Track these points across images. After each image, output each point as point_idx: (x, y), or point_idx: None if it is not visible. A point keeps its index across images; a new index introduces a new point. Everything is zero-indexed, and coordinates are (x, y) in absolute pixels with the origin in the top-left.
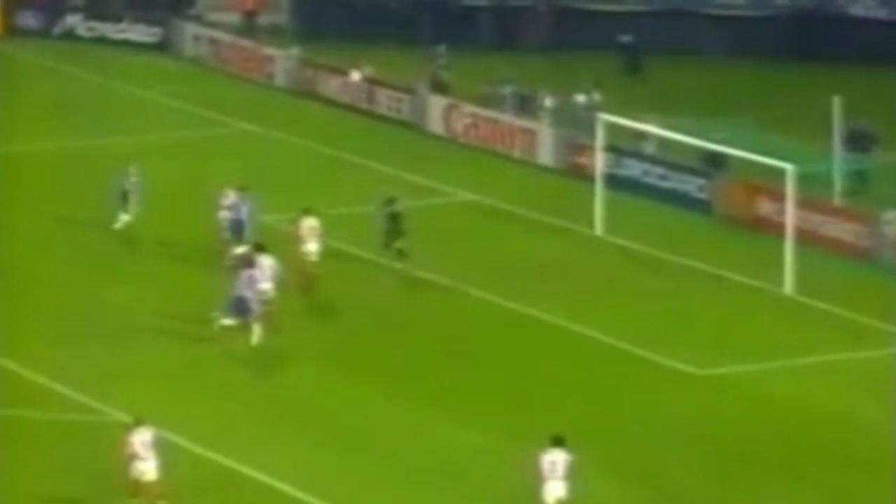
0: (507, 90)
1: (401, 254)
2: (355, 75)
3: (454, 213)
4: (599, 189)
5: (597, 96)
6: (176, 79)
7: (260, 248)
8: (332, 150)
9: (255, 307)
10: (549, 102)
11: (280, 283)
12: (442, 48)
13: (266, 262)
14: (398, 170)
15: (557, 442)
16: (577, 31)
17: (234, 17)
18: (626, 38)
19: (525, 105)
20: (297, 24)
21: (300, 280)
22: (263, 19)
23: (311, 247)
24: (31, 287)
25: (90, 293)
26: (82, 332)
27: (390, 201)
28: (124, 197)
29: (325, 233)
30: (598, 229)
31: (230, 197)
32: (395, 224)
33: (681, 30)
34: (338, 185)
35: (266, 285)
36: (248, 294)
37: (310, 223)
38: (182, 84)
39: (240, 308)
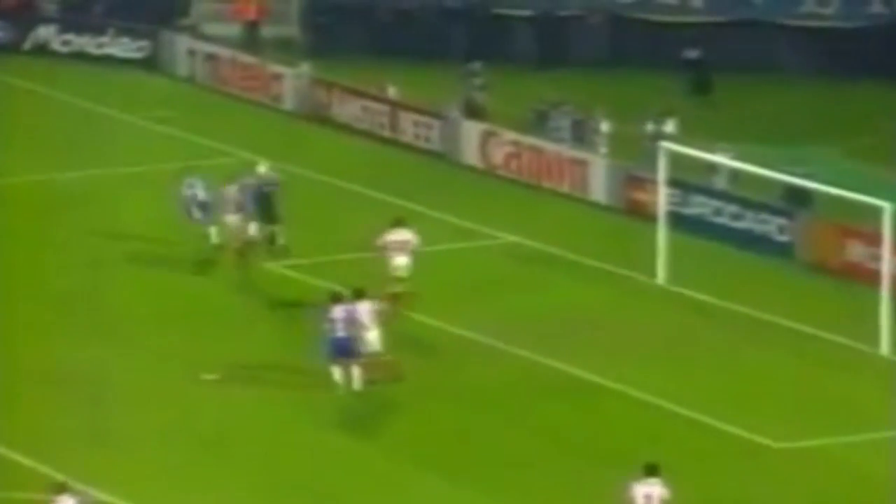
0: (555, 114)
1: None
2: (391, 90)
3: (492, 259)
4: (662, 230)
5: (669, 126)
6: (167, 101)
7: (359, 293)
8: (348, 184)
9: (357, 348)
10: (604, 128)
11: (385, 323)
12: (477, 65)
13: (366, 308)
14: (426, 207)
15: (652, 471)
16: (635, 45)
17: (234, 29)
18: (692, 54)
19: (575, 132)
20: (308, 38)
21: (393, 301)
22: (268, 31)
23: (399, 261)
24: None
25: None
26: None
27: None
28: (202, 207)
29: (418, 248)
30: (660, 277)
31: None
32: (267, 205)
33: (757, 44)
34: (355, 226)
35: (372, 334)
36: (347, 334)
37: (399, 236)
38: (174, 107)
39: (341, 349)
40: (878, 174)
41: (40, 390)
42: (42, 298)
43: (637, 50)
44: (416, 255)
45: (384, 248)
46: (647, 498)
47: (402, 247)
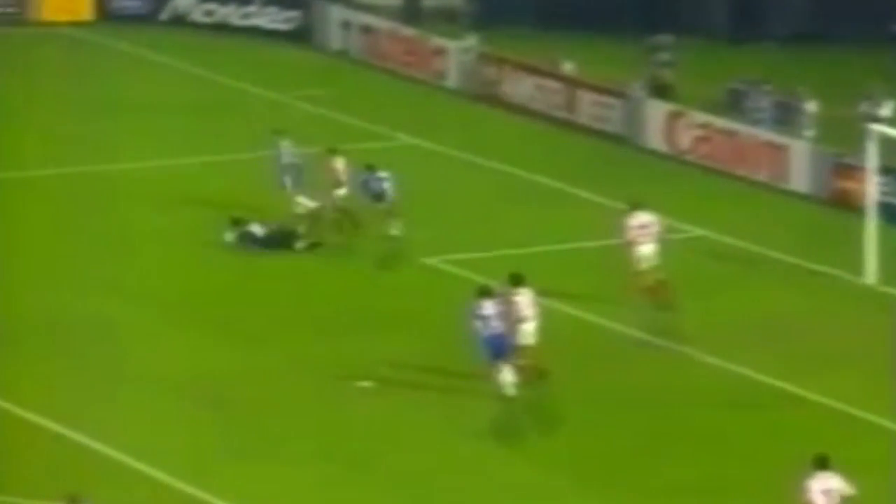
0: (754, 94)
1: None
2: (566, 66)
3: (677, 254)
4: (872, 224)
5: (886, 109)
6: (317, 78)
7: (518, 280)
8: (518, 170)
9: (509, 347)
10: (810, 109)
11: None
12: (664, 39)
13: (526, 299)
14: (604, 196)
15: (823, 464)
16: (842, 16)
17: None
18: None
19: (776, 113)
20: (475, 7)
21: (645, 296)
22: (431, 2)
23: (646, 250)
24: None
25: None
26: None
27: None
28: (296, 173)
29: (663, 233)
30: (870, 277)
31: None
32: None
33: None
34: (528, 217)
35: (530, 326)
36: (503, 330)
37: (641, 220)
38: (325, 85)
39: (497, 348)
40: None
41: (183, 404)
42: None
43: (844, 22)
44: (662, 242)
45: (628, 237)
46: (827, 493)
47: (646, 233)
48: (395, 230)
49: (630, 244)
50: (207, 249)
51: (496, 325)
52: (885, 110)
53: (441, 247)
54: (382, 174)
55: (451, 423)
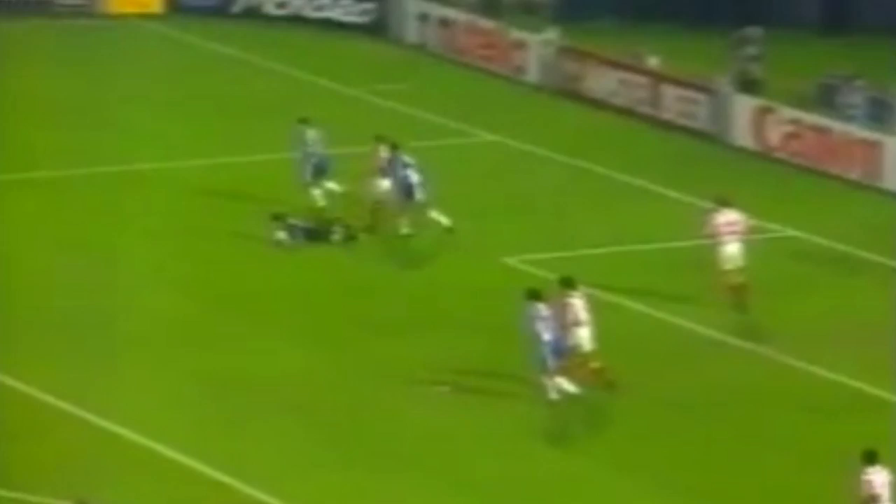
0: (846, 89)
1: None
2: (651, 61)
3: (766, 255)
4: None
5: None
6: (394, 72)
7: (569, 283)
8: (601, 168)
9: (566, 348)
10: None
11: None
12: (752, 31)
13: (578, 303)
14: (690, 195)
15: (872, 458)
16: None
17: None
18: None
19: (870, 109)
20: (556, 1)
21: (728, 296)
22: None
23: (731, 249)
24: None
25: None
26: None
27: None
28: (318, 168)
29: (749, 232)
30: None
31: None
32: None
33: None
34: (610, 216)
35: (585, 330)
36: (555, 334)
37: (728, 218)
38: (402, 79)
39: (552, 352)
40: None
41: (241, 398)
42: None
43: None
44: (748, 241)
45: (714, 235)
46: (883, 486)
47: (732, 230)
48: (405, 229)
49: (715, 241)
50: (256, 245)
51: (548, 329)
52: None
53: (521, 246)
54: (406, 159)
55: (525, 430)
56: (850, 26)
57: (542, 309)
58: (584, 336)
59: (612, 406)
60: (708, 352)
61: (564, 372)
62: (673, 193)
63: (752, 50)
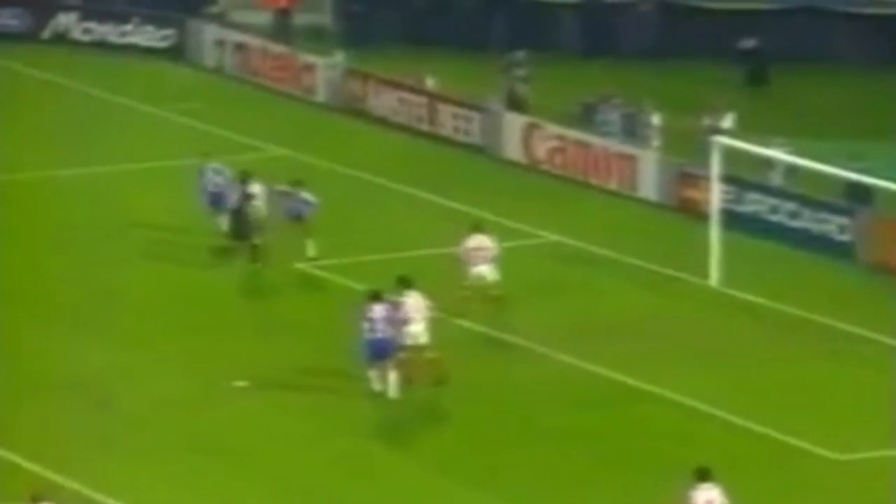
0: (604, 107)
1: (255, 250)
2: (429, 82)
3: (534, 259)
4: (715, 229)
5: (727, 121)
6: (192, 93)
7: (406, 282)
8: (384, 180)
9: (393, 350)
10: (655, 121)
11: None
12: (520, 55)
13: (414, 302)
14: (465, 204)
15: (704, 476)
16: (688, 34)
17: (264, 17)
18: (748, 43)
19: (625, 126)
20: (342, 26)
21: (463, 309)
22: (300, 19)
23: (478, 270)
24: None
25: None
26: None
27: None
28: (216, 202)
29: (499, 256)
30: (713, 279)
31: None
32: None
33: (816, 33)
34: (391, 224)
35: (417, 328)
36: (387, 336)
37: (477, 243)
38: (200, 99)
39: (380, 351)
40: None
41: (53, 396)
42: (52, 300)
43: (690, 39)
44: (498, 263)
45: (464, 258)
46: None
47: (480, 255)
48: (311, 251)
49: (463, 263)
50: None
51: (382, 329)
52: (726, 122)
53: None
54: (307, 196)
55: (328, 422)
56: (608, 51)
57: (377, 309)
58: (415, 332)
59: (409, 400)
60: (499, 354)
61: (398, 366)
62: (449, 202)
63: (520, 72)
